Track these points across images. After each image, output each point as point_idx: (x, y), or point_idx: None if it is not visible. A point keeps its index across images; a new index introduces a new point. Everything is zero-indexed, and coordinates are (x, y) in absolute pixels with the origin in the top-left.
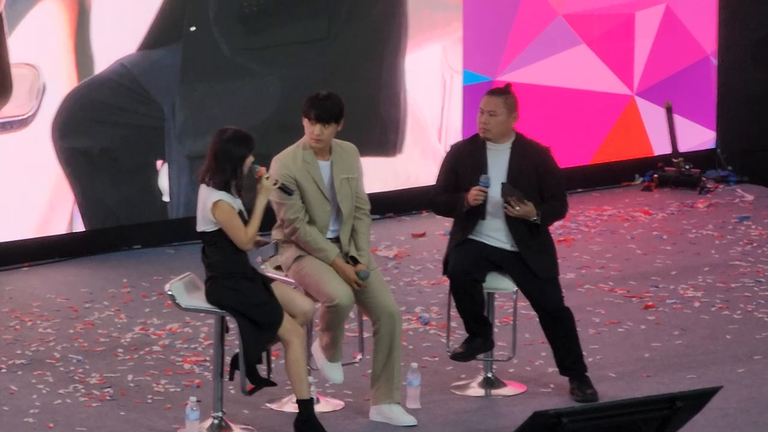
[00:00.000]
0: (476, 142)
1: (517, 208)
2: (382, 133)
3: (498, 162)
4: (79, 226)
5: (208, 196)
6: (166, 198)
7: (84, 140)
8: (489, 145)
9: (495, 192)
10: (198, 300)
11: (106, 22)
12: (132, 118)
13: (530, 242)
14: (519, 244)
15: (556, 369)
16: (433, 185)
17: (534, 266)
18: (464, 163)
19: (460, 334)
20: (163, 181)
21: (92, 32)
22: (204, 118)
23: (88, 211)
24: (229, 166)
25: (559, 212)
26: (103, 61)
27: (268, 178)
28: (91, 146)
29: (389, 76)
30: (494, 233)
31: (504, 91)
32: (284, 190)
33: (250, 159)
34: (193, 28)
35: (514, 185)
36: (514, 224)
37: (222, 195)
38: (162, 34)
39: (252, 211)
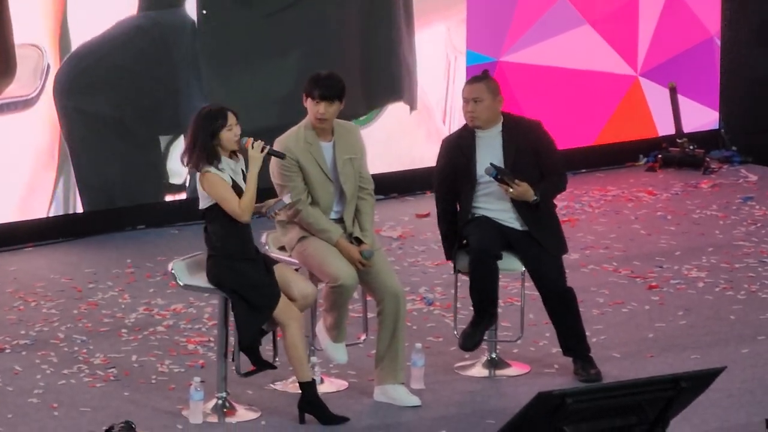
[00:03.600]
0: (465, 134)
1: (511, 189)
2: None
3: (491, 148)
4: (84, 207)
5: (198, 171)
6: (174, 180)
7: (89, 117)
8: (479, 132)
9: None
10: (200, 280)
11: None
12: (141, 91)
13: (537, 220)
14: (527, 223)
15: (560, 349)
16: (433, 187)
17: (546, 243)
18: (456, 155)
19: (463, 315)
20: (173, 163)
21: None
22: (226, 96)
23: (92, 191)
24: (207, 142)
25: (559, 187)
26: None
27: (253, 146)
28: (97, 126)
29: (398, 55)
30: (502, 213)
31: (484, 77)
32: (275, 154)
33: (233, 131)
34: (204, 11)
35: (513, 167)
36: (518, 203)
37: (209, 167)
38: None
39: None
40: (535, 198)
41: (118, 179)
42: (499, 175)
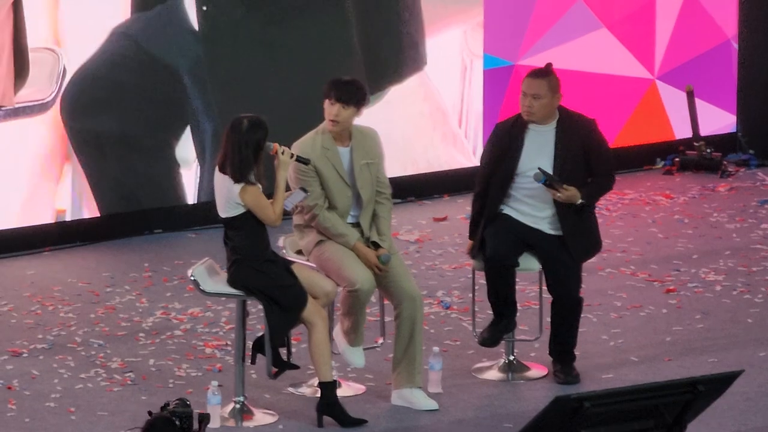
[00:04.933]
0: (518, 123)
1: (559, 194)
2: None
3: (543, 143)
4: (100, 211)
5: (232, 184)
6: (185, 168)
7: (100, 121)
8: (532, 126)
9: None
10: (220, 284)
11: None
12: (150, 94)
13: (576, 224)
14: (565, 227)
15: (577, 352)
16: (477, 167)
17: (573, 249)
18: (503, 143)
19: (481, 318)
20: (181, 151)
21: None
22: (231, 92)
23: (109, 196)
24: (251, 156)
25: (606, 187)
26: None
27: (283, 152)
28: (109, 128)
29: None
30: (537, 212)
31: (546, 73)
32: (300, 160)
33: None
34: (204, 8)
35: (562, 165)
36: (563, 210)
37: (251, 180)
38: None
39: (273, 189)
40: (582, 201)
41: (134, 183)
42: (548, 180)
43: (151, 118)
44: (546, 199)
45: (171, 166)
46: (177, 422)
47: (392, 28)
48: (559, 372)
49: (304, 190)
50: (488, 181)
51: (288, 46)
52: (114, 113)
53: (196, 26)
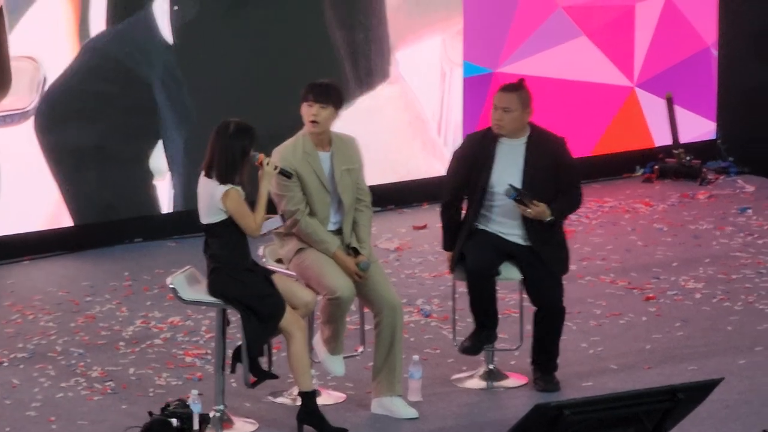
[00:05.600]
0: (488, 137)
1: (529, 210)
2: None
3: (513, 157)
4: (80, 220)
5: (215, 188)
6: (158, 178)
7: (78, 133)
8: (503, 140)
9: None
10: (200, 293)
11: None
12: (123, 104)
13: (545, 239)
14: (534, 241)
15: (558, 361)
16: (444, 176)
17: (549, 261)
18: (473, 157)
19: (461, 326)
20: (154, 161)
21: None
22: (201, 99)
23: (88, 205)
24: (237, 160)
25: (574, 204)
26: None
27: (268, 163)
28: (86, 139)
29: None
30: (509, 228)
31: (517, 87)
32: (284, 173)
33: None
34: (176, 8)
35: (531, 180)
36: (530, 222)
37: (234, 185)
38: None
39: (256, 199)
40: (551, 218)
41: (113, 192)
42: (519, 196)
43: (124, 128)
44: (515, 216)
45: (146, 176)
46: (177, 423)
47: (367, 31)
48: (540, 380)
49: (282, 218)
50: (456, 193)
51: (263, 49)
52: (87, 124)
53: (168, 34)
